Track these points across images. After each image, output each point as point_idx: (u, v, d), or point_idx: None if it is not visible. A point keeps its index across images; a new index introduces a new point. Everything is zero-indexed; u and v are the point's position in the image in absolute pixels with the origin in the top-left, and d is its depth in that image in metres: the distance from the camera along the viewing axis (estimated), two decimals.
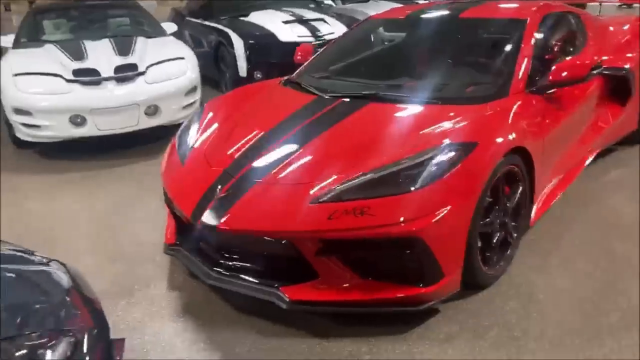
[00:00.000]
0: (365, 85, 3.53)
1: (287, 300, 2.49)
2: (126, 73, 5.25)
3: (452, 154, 2.55)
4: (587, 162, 4.01)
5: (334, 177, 2.58)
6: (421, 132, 2.74)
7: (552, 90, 3.26)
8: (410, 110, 3.05)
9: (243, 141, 3.03)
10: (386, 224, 2.37)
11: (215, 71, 7.56)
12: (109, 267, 3.26)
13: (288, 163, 2.75)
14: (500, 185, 2.78)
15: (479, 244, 2.69)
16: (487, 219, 2.76)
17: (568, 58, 3.56)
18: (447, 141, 2.60)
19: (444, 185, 2.47)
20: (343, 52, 4.27)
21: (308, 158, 2.76)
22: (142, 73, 5.33)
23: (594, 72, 3.17)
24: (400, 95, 3.23)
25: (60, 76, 5.16)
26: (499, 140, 2.72)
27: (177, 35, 7.85)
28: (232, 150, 2.98)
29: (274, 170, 2.72)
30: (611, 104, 4.25)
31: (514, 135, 2.82)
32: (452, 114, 2.88)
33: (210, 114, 3.47)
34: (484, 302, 2.78)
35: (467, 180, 2.53)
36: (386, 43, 4.64)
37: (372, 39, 4.66)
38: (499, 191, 2.79)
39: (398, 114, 3.03)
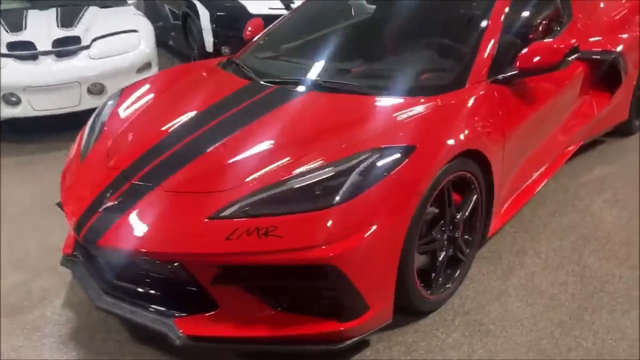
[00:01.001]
0: (309, 69, 3.04)
1: (180, 335, 2.06)
2: (66, 47, 4.76)
3: (383, 160, 2.09)
4: (564, 160, 3.54)
5: (243, 185, 2.12)
6: (352, 133, 2.26)
7: (520, 80, 2.76)
8: (347, 103, 2.57)
9: (152, 136, 2.57)
10: (294, 248, 1.93)
11: (186, 46, 7.06)
12: (8, 275, 2.84)
13: (194, 165, 2.29)
14: (446, 195, 2.33)
15: (418, 264, 2.26)
16: (429, 236, 2.32)
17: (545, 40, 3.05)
18: (378, 145, 2.13)
19: (369, 199, 2.02)
20: (297, 29, 3.75)
21: (218, 160, 2.30)
22: (86, 47, 4.84)
23: (571, 57, 2.67)
24: (341, 83, 2.74)
25: None
26: (446, 142, 2.25)
27: (152, 6, 7.32)
28: (137, 146, 2.52)
29: (176, 174, 2.26)
30: (599, 92, 3.75)
31: (465, 135, 2.35)
32: (394, 109, 2.41)
33: (128, 100, 3.00)
34: (423, 333, 2.35)
35: (400, 193, 2.07)
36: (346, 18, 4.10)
37: (334, 13, 4.13)
38: (444, 202, 2.34)
39: (332, 108, 2.55)
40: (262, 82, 2.88)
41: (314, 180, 2.04)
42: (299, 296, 2.09)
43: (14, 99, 4.57)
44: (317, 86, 2.73)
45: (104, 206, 2.22)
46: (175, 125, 2.61)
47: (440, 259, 2.41)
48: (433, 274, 2.41)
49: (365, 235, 1.98)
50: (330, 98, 2.63)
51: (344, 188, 2.00)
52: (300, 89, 2.74)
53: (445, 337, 2.33)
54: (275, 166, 2.15)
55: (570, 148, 3.64)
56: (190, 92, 3.00)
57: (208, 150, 2.35)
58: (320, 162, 2.11)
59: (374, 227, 2.00)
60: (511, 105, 2.72)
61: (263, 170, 2.15)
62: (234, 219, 2.01)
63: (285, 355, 2.21)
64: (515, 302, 2.53)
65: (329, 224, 1.95)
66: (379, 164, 2.07)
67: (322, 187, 2.02)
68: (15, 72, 4.56)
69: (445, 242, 2.45)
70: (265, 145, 2.32)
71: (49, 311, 2.56)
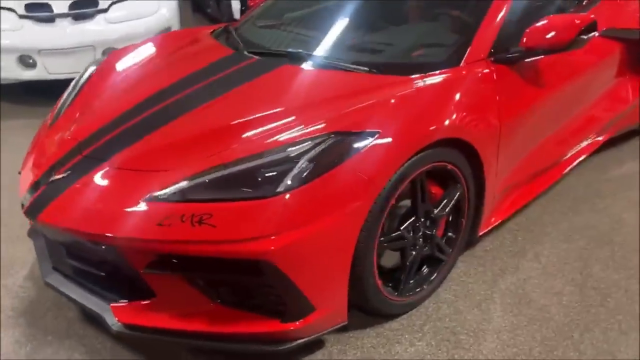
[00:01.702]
0: (296, 41, 2.80)
1: (115, 322, 1.94)
2: (83, 10, 4.68)
3: (338, 147, 1.85)
4: (589, 152, 3.17)
5: (190, 165, 1.94)
6: (315, 113, 2.02)
7: (528, 60, 2.43)
8: (321, 80, 2.33)
9: (117, 106, 2.42)
10: (227, 239, 1.75)
11: (219, 13, 6.93)
12: None
13: (147, 140, 2.13)
14: (418, 189, 2.07)
15: (389, 263, 2.05)
16: (397, 232, 2.08)
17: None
18: (337, 128, 1.89)
19: (317, 190, 1.80)
20: None
21: (172, 136, 2.12)
22: (104, 10, 4.75)
23: (587, 36, 2.30)
24: (322, 57, 2.49)
25: (14, 11, 4.66)
26: (420, 128, 1.99)
27: None
28: (100, 116, 2.38)
29: (127, 150, 2.10)
30: (637, 76, 3.32)
31: (447, 122, 2.07)
32: (369, 88, 2.15)
33: (110, 65, 2.86)
34: (385, 338, 2.14)
35: (355, 184, 1.84)
36: None
37: None
38: (417, 196, 2.09)
39: (304, 84, 2.32)
40: (245, 53, 2.67)
41: (259, 164, 1.83)
42: (240, 291, 1.91)
43: (30, 61, 4.56)
44: (297, 59, 2.49)
45: (51, 179, 2.10)
46: (143, 96, 2.44)
47: (410, 258, 2.17)
48: (401, 276, 2.17)
49: (310, 230, 1.78)
50: (305, 73, 2.39)
51: (290, 176, 1.79)
52: (280, 61, 2.51)
53: (408, 345, 2.11)
54: (225, 146, 1.96)
55: (600, 139, 3.26)
56: (171, 62, 2.83)
57: (165, 125, 2.18)
58: (271, 145, 1.90)
59: (321, 222, 1.79)
60: (514, 89, 2.40)
61: (213, 151, 1.96)
62: (170, 203, 1.84)
63: (239, 354, 2.05)
64: (497, 311, 2.27)
65: (269, 215, 1.76)
66: (333, 150, 1.84)
67: (267, 173, 1.81)
68: (32, 34, 4.54)
69: (421, 239, 2.20)
70: (222, 122, 2.12)
71: (11, 282, 2.50)
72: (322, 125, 1.91)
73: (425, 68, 2.26)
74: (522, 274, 2.48)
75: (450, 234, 2.35)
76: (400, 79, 2.17)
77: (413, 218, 2.12)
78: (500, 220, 2.61)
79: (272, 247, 1.73)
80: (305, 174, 1.79)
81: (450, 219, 2.35)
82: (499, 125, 2.29)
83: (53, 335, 2.19)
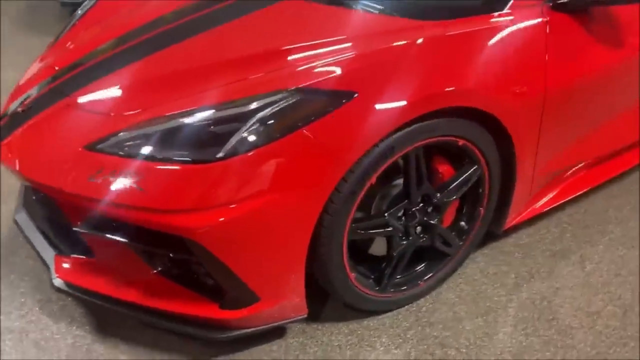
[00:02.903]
0: None
1: (55, 277, 1.76)
2: None
3: (300, 107, 1.47)
4: None
5: (140, 112, 1.65)
6: (281, 62, 1.62)
7: (600, 8, 1.84)
8: (317, 19, 1.88)
9: (101, 37, 2.17)
10: (153, 208, 1.46)
11: None
12: None
13: (110, 78, 1.85)
14: (412, 167, 1.65)
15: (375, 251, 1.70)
16: (380, 217, 1.69)
17: None
18: (304, 83, 1.50)
19: (264, 158, 1.45)
20: None
21: (135, 76, 1.83)
22: None
23: None
24: None
25: None
26: (413, 93, 1.53)
27: None
28: (84, 47, 2.14)
29: (88, 86, 1.85)
30: None
31: (459, 86, 1.60)
32: (366, 35, 1.71)
33: None
34: (358, 338, 1.80)
35: (315, 156, 1.46)
36: None
37: None
38: (409, 177, 1.67)
39: (300, 22, 1.89)
40: None
41: (201, 121, 1.50)
42: (180, 265, 1.64)
43: None
44: None
45: (15, 111, 1.92)
46: (127, 29, 2.16)
47: (399, 249, 1.77)
48: (386, 269, 1.79)
49: (251, 208, 1.44)
50: (305, 9, 1.95)
51: (235, 138, 1.44)
52: None
53: (381, 352, 1.76)
54: (177, 95, 1.64)
55: None
56: None
57: (133, 63, 1.89)
58: (223, 97, 1.55)
59: (267, 199, 1.45)
60: (575, 47, 1.84)
61: (162, 99, 1.65)
62: (105, 155, 1.57)
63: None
64: (507, 325, 1.83)
65: (202, 185, 1.44)
66: (293, 111, 1.46)
67: (208, 133, 1.48)
68: None
69: (417, 228, 1.80)
70: (184, 66, 1.78)
71: (4, 209, 2.43)
72: (286, 78, 1.52)
73: (453, 12, 1.75)
74: (555, 281, 2.00)
75: (462, 223, 1.91)
76: (412, 24, 1.70)
77: (405, 202, 1.71)
78: (537, 213, 2.10)
79: (201, 225, 1.43)
80: (253, 138, 1.44)
81: (464, 206, 1.90)
82: (544, 94, 1.76)
83: (15, 275, 2.08)
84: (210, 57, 1.76)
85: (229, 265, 1.49)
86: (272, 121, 1.45)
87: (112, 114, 1.69)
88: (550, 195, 2.13)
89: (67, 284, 1.76)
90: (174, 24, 2.04)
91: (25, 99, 1.96)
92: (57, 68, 2.04)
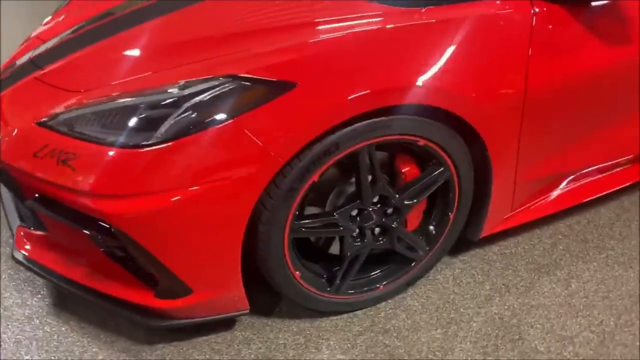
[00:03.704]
0: None
1: (15, 249, 1.79)
2: None
3: (232, 96, 1.38)
4: None
5: (94, 90, 1.61)
6: (223, 49, 1.52)
7: (598, 2, 1.63)
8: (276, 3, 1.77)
9: (90, 11, 2.15)
10: (81, 189, 1.43)
11: None
12: None
13: (81, 54, 1.83)
14: (363, 166, 1.54)
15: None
16: (328, 216, 1.60)
17: None
18: (242, 71, 1.41)
19: (193, 147, 1.38)
20: None
21: (99, 54, 1.79)
22: None
23: None
24: None
25: None
26: (361, 86, 1.41)
27: None
28: (70, 21, 2.14)
29: (60, 60, 1.84)
30: None
31: (418, 82, 1.46)
32: (328, 19, 1.58)
33: None
34: (305, 338, 1.73)
35: (246, 149, 1.38)
36: None
37: None
38: (360, 176, 1.56)
39: (249, 8, 1.78)
40: None
41: (136, 103, 1.44)
42: (120, 250, 1.61)
43: None
44: None
45: None
46: (103, 8, 2.14)
47: (352, 250, 1.68)
48: (338, 270, 1.70)
49: (178, 199, 1.38)
50: None
51: (166, 124, 1.38)
52: None
53: (327, 354, 1.68)
54: (124, 75, 1.59)
55: None
56: None
57: (103, 40, 1.84)
58: (164, 81, 1.49)
59: (195, 189, 1.38)
60: (567, 42, 1.65)
61: (112, 79, 1.60)
62: (53, 132, 1.55)
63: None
64: (466, 341, 1.70)
65: (129, 170, 1.39)
66: (226, 100, 1.38)
67: (140, 118, 1.42)
68: None
69: (376, 229, 1.69)
70: (139, 49, 1.72)
71: None
72: (223, 65, 1.44)
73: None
74: (532, 297, 1.84)
75: (431, 228, 1.79)
76: (375, 10, 1.57)
77: (357, 202, 1.61)
78: (522, 222, 1.94)
79: (125, 212, 1.39)
80: (184, 125, 1.37)
81: (433, 210, 1.77)
82: (524, 93, 1.59)
83: None
84: (156, 42, 1.70)
85: (156, 255, 1.44)
86: (205, 109, 1.38)
87: (68, 91, 1.67)
88: (541, 204, 1.95)
89: (25, 257, 1.77)
90: (140, 6, 2.00)
91: (9, 68, 1.98)
92: (42, 41, 2.04)
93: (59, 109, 1.59)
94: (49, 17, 2.39)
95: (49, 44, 1.97)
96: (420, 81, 1.45)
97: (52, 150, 1.50)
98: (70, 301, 1.87)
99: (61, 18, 2.25)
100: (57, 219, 1.56)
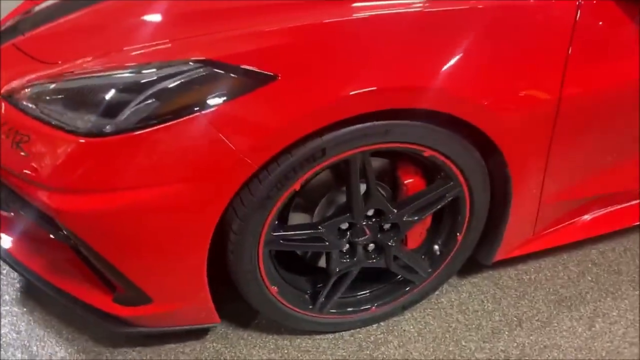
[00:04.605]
0: None
1: None
2: None
3: (202, 83, 1.17)
4: None
5: (64, 64, 1.43)
6: (196, 27, 1.30)
7: None
8: None
9: None
10: (28, 178, 1.27)
11: None
12: None
13: (60, 23, 1.63)
14: (355, 176, 1.32)
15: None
16: (313, 229, 1.39)
17: None
18: (216, 56, 1.19)
19: (153, 141, 1.18)
20: None
21: (78, 24, 1.59)
22: None
23: None
24: None
25: None
26: (353, 84, 1.18)
27: None
28: None
29: (41, 28, 1.66)
30: None
31: (425, 84, 1.22)
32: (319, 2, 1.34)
33: None
34: (282, 356, 1.54)
35: (214, 147, 1.17)
36: None
37: None
38: (351, 187, 1.34)
39: None
40: None
41: (95, 85, 1.25)
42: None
43: None
44: None
45: None
46: None
47: (338, 268, 1.47)
48: (324, 287, 1.50)
49: (134, 199, 1.20)
50: None
51: (123, 113, 1.19)
52: None
53: None
54: (109, 50, 1.38)
55: None
56: None
57: (93, 5, 1.67)
58: (126, 60, 1.28)
59: (155, 190, 1.20)
60: (616, 43, 1.36)
61: (83, 53, 1.40)
62: (13, 107, 1.38)
63: None
64: None
65: (84, 162, 1.21)
66: (197, 87, 1.17)
67: (97, 102, 1.22)
68: None
69: (370, 246, 1.48)
70: (138, 15, 1.51)
71: None
72: (199, 46, 1.23)
73: None
74: (547, 336, 1.60)
75: (436, 247, 1.56)
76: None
77: (347, 215, 1.39)
78: (544, 248, 1.68)
79: (73, 209, 1.21)
80: (143, 115, 1.18)
81: (441, 227, 1.54)
82: (558, 101, 1.32)
83: None
84: (144, 12, 1.48)
85: (110, 259, 1.27)
86: (170, 97, 1.18)
87: (42, 62, 1.49)
88: (569, 228, 1.69)
89: (5, 254, 1.63)
90: None
91: None
92: (34, 2, 1.88)
93: (27, 82, 1.41)
94: None
95: (41, 6, 1.80)
96: (428, 81, 1.21)
97: (9, 128, 1.34)
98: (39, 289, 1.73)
99: None
100: (12, 206, 1.41)
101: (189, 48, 1.23)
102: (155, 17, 1.47)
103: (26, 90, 1.37)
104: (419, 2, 1.25)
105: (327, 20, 1.21)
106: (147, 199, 1.19)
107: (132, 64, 1.24)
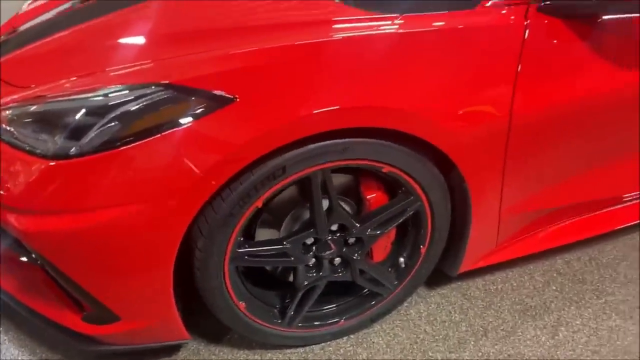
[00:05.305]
0: None
1: None
2: None
3: (162, 106, 1.21)
4: None
5: (37, 87, 1.47)
6: (170, 49, 1.34)
7: (607, 17, 1.40)
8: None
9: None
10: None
11: None
12: None
13: (40, 44, 1.68)
14: (316, 192, 1.36)
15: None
16: (278, 245, 1.42)
17: None
18: (169, 79, 1.23)
19: (115, 163, 1.21)
20: None
21: (67, 42, 1.61)
22: None
23: None
24: None
25: None
26: (311, 104, 1.22)
27: None
28: (40, 10, 2.01)
29: (17, 52, 1.68)
30: None
31: (379, 103, 1.26)
32: (297, 23, 1.39)
33: None
34: None
35: (179, 165, 1.21)
36: None
37: None
38: (313, 202, 1.38)
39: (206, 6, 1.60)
40: None
41: (61, 109, 1.28)
42: None
43: None
44: None
45: None
46: None
47: (304, 283, 1.50)
48: (292, 302, 1.53)
49: (99, 219, 1.23)
50: None
51: (87, 136, 1.23)
52: None
53: None
54: (79, 73, 1.41)
55: None
56: None
57: (67, 28, 1.69)
58: (108, 83, 1.32)
59: (118, 210, 1.23)
60: (565, 61, 1.42)
61: (55, 77, 1.44)
62: None
63: None
64: None
65: (47, 184, 1.24)
66: (155, 111, 1.21)
67: (63, 125, 1.26)
68: None
69: (336, 260, 1.52)
70: (86, 44, 1.56)
71: None
72: (161, 70, 1.27)
73: (411, 6, 1.40)
74: (512, 345, 1.64)
75: (402, 260, 1.60)
76: (346, 13, 1.38)
77: (311, 230, 1.43)
78: (507, 259, 1.73)
79: (38, 230, 1.24)
80: (106, 138, 1.21)
81: (406, 240, 1.58)
82: (509, 117, 1.38)
83: None
84: (115, 36, 1.52)
85: (76, 279, 1.30)
86: (132, 120, 1.21)
87: (16, 86, 1.52)
88: (532, 239, 1.74)
89: None
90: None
91: None
92: (12, 26, 1.92)
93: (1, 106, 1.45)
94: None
95: (26, 25, 1.84)
96: (385, 101, 1.25)
97: None
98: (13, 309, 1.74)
99: (33, 4, 2.13)
100: None
101: (153, 71, 1.27)
102: (134, 39, 1.51)
103: (5, 113, 1.40)
104: (380, 24, 1.30)
105: (289, 43, 1.25)
106: (111, 219, 1.22)
107: (99, 86, 1.27)
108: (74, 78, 1.36)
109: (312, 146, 1.26)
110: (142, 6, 1.64)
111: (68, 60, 1.52)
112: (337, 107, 1.22)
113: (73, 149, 1.23)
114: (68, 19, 1.78)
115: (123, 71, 1.27)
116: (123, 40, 1.47)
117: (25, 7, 2.19)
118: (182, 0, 1.59)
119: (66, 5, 1.94)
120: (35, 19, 1.92)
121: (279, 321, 1.54)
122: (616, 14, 1.39)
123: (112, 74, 1.28)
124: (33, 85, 1.43)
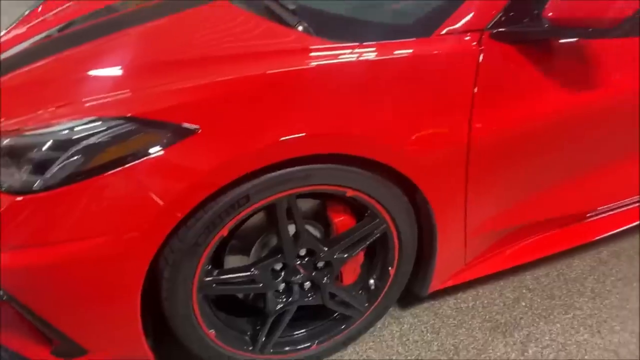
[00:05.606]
0: None
1: None
2: None
3: (126, 139, 1.23)
4: None
5: (15, 122, 1.47)
6: (134, 81, 1.38)
7: (556, 42, 1.46)
8: (235, 32, 1.63)
9: (48, 23, 2.05)
10: None
11: None
12: None
13: (18, 76, 1.67)
14: (281, 219, 1.38)
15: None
16: (246, 272, 1.43)
17: None
18: (133, 112, 1.25)
19: (79, 196, 1.22)
20: None
21: (43, 73, 1.62)
22: None
23: None
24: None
25: None
26: (274, 132, 1.25)
27: None
28: (34, 29, 2.03)
29: (15, 71, 1.68)
30: None
31: (339, 130, 1.30)
32: (265, 54, 1.42)
33: None
34: None
35: (143, 197, 1.22)
36: None
37: None
38: (279, 229, 1.40)
39: (168, 37, 1.64)
40: None
41: (27, 143, 1.29)
42: None
43: None
44: None
45: None
46: (76, 15, 2.03)
47: (274, 308, 1.51)
48: (263, 328, 1.54)
49: (63, 253, 1.23)
50: (233, 15, 1.72)
51: (50, 170, 1.23)
52: None
53: None
54: (51, 106, 1.41)
55: None
56: None
57: (52, 55, 1.69)
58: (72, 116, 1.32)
59: (83, 244, 1.23)
60: (520, 84, 1.47)
61: (34, 108, 1.43)
62: None
63: None
64: None
65: (10, 219, 1.24)
66: (118, 144, 1.23)
67: (28, 159, 1.27)
68: None
69: (305, 284, 1.53)
70: (77, 73, 1.56)
71: None
72: (125, 103, 1.28)
73: (370, 34, 1.44)
74: None
75: (372, 282, 1.62)
76: (307, 42, 1.41)
77: (278, 255, 1.44)
78: (476, 277, 1.76)
79: (3, 267, 1.24)
80: (69, 172, 1.22)
81: (375, 262, 1.61)
82: (467, 140, 1.41)
83: None
84: (76, 72, 1.54)
85: (40, 314, 1.29)
86: (94, 153, 1.22)
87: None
88: (499, 257, 1.77)
89: None
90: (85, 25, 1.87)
91: None
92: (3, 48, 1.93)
93: None
94: (14, 23, 2.29)
95: (7, 54, 1.85)
96: (346, 127, 1.28)
97: None
98: None
99: (21, 29, 2.14)
100: None
101: (115, 104, 1.29)
102: (107, 70, 1.52)
103: None
104: (340, 53, 1.34)
105: (252, 73, 1.28)
106: (75, 252, 1.23)
107: (66, 120, 1.28)
108: (52, 108, 1.35)
109: (274, 174, 1.28)
110: (118, 35, 1.66)
111: (42, 91, 1.52)
112: (303, 134, 1.24)
113: (37, 184, 1.23)
114: (45, 49, 1.80)
115: (95, 102, 1.29)
116: (94, 72, 1.48)
117: (1, 35, 2.20)
118: (156, 29, 1.62)
119: (43, 35, 1.96)
120: (12, 48, 1.92)
121: (251, 348, 1.54)
122: (566, 39, 1.44)
123: (86, 104, 1.29)
124: (3, 120, 1.43)
